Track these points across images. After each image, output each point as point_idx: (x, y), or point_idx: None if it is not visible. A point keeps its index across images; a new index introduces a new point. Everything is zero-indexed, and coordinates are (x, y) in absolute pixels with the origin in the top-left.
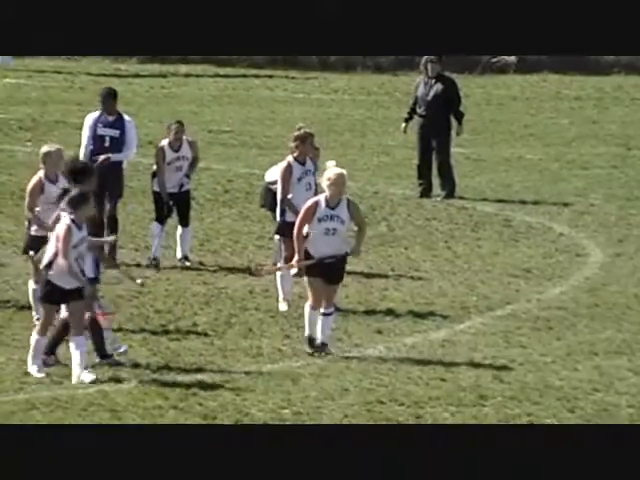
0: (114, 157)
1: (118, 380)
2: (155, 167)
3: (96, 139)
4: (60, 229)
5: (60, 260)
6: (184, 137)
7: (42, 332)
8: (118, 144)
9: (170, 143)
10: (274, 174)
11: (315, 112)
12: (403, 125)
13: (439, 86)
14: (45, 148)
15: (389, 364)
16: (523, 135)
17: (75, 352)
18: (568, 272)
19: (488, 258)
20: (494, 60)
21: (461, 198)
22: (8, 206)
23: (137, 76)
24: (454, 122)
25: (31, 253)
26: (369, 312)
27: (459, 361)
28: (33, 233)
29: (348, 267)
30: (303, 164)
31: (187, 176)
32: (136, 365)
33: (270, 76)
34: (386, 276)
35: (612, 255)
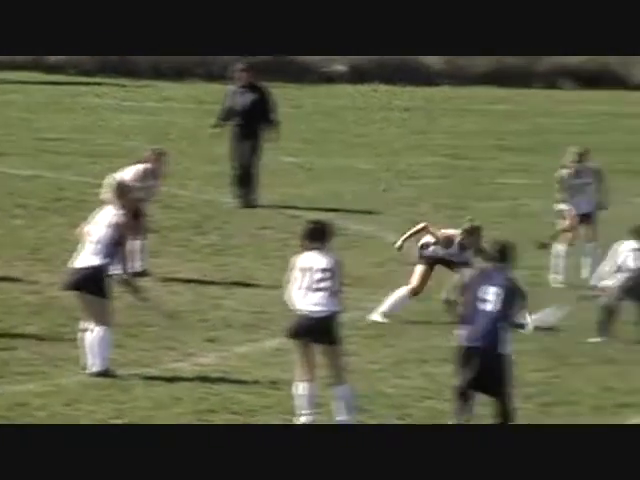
0: None
1: None
2: None
3: None
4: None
5: None
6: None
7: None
8: None
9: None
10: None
11: (146, 120)
12: (211, 131)
13: (251, 95)
14: None
15: (221, 373)
16: (354, 145)
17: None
18: (399, 280)
19: None
20: (325, 69)
21: (293, 207)
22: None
23: None
24: (266, 129)
25: None
26: (202, 320)
27: (292, 369)
28: None
29: (181, 275)
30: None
31: None
32: None
33: (99, 84)
34: (220, 284)
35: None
